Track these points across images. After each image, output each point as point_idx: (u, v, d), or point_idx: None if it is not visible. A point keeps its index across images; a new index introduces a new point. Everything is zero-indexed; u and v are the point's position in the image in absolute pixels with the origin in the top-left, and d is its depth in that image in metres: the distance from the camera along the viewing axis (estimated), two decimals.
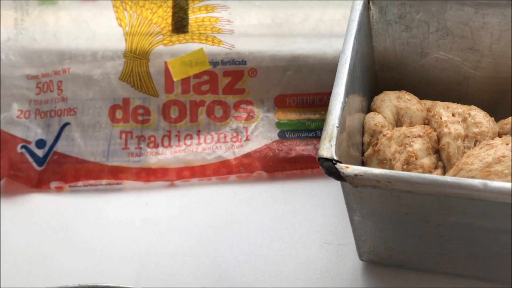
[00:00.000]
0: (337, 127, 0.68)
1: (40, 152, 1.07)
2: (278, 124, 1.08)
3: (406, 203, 0.69)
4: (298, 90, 1.10)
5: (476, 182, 0.60)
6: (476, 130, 0.79)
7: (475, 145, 0.78)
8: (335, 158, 0.65)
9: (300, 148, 1.05)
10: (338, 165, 0.64)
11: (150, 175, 1.06)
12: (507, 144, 0.74)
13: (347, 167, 0.64)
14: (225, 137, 1.07)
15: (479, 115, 0.81)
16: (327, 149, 0.66)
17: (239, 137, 1.07)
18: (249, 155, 1.05)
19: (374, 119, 0.85)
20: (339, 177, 0.65)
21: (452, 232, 0.73)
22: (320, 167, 0.66)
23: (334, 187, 0.99)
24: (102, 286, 0.76)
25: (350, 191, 0.70)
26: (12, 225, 1.01)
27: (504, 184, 0.59)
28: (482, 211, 0.66)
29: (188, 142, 1.07)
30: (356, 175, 0.63)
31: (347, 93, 0.74)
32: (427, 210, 0.69)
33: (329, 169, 0.65)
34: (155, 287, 0.90)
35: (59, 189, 1.07)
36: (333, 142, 0.66)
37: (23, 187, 1.07)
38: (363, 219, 0.78)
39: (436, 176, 0.62)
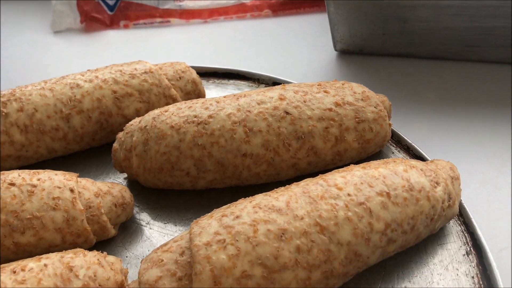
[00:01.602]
0: None
1: (111, 2, 1.49)
2: None
3: None
4: None
5: None
6: None
7: None
8: None
9: None
10: None
11: (190, 15, 1.48)
12: None
13: None
14: None
15: None
16: None
17: None
18: None
19: None
20: None
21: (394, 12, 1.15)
22: None
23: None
24: None
25: None
26: (92, 55, 1.43)
27: None
28: None
29: None
30: None
31: None
32: None
33: None
34: None
35: (126, 27, 1.49)
36: None
37: (99, 26, 1.49)
38: (336, 10, 1.20)
39: None
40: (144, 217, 0.90)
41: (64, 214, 0.78)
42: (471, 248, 0.78)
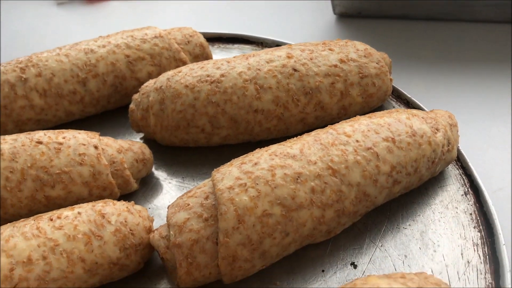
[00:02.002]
0: None
1: None
2: None
3: None
4: None
5: None
6: None
7: None
8: None
9: None
10: None
11: None
12: None
13: None
14: None
15: None
16: None
17: None
18: None
19: None
20: None
21: None
22: None
23: None
24: None
25: None
26: (95, 26, 1.45)
27: None
28: None
29: None
30: None
31: None
32: None
33: None
34: None
35: None
36: None
37: None
38: None
39: None
40: (162, 173, 0.96)
41: (90, 169, 0.83)
42: (469, 189, 0.84)
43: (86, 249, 0.71)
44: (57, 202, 0.83)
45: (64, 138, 0.85)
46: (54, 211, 0.76)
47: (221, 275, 0.72)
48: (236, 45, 1.23)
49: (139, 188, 0.93)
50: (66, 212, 0.74)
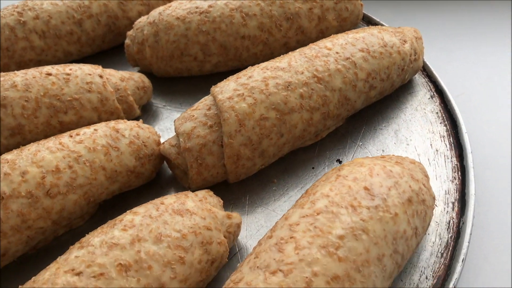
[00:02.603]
0: None
1: None
2: None
3: None
4: None
5: None
6: None
7: None
8: None
9: None
10: None
11: None
12: None
13: None
14: None
15: None
16: None
17: None
18: None
19: None
20: None
21: None
22: None
23: None
24: None
25: None
26: None
27: None
28: None
29: None
30: None
31: None
32: None
33: None
34: None
35: None
36: None
37: None
38: None
39: None
40: (160, 101, 1.04)
41: (98, 95, 0.91)
42: (434, 93, 0.96)
43: (106, 159, 0.80)
44: (70, 127, 0.91)
45: (70, 69, 0.93)
46: (72, 131, 0.84)
47: (226, 174, 0.83)
48: None
49: (141, 115, 1.01)
50: (84, 130, 0.83)
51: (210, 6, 0.99)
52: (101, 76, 0.93)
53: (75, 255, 0.64)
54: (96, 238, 0.66)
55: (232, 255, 0.76)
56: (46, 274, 0.63)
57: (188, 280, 0.66)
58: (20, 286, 0.64)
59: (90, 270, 0.62)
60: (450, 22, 1.17)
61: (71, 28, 1.06)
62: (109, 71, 0.96)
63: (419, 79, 0.99)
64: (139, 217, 0.68)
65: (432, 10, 1.20)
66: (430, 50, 1.08)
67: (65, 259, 0.65)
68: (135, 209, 0.71)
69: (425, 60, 1.00)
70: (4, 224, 0.72)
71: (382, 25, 1.11)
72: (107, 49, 1.15)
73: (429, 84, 0.98)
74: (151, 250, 0.64)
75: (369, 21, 1.13)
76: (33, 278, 0.65)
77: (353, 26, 1.07)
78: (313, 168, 0.87)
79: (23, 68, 1.06)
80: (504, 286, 0.73)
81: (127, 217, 0.69)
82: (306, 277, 0.57)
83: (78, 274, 0.62)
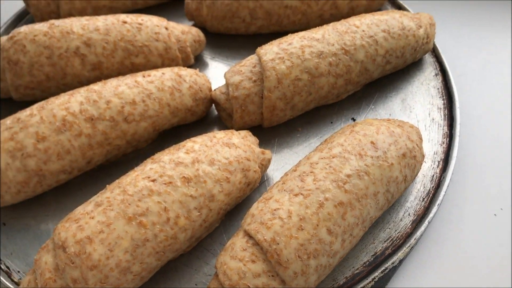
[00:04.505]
0: None
1: None
2: None
3: None
4: None
5: None
6: None
7: None
8: None
9: None
10: None
11: None
12: None
13: None
14: None
15: None
16: None
17: None
18: None
19: None
20: None
21: None
22: None
23: None
24: None
25: None
26: None
27: None
28: None
29: None
30: None
31: None
32: None
33: None
34: None
35: None
36: None
37: None
38: None
39: None
40: (209, 53, 1.23)
41: (163, 44, 1.10)
42: (439, 71, 1.14)
43: (171, 98, 0.99)
44: (139, 68, 1.10)
45: (142, 20, 1.11)
46: (145, 72, 1.03)
47: (262, 120, 1.02)
48: None
49: (194, 63, 1.20)
50: (154, 72, 1.02)
51: None
52: (166, 28, 1.11)
53: (149, 167, 0.85)
54: (165, 156, 0.87)
55: (262, 182, 0.97)
56: (128, 178, 0.84)
57: (230, 195, 0.87)
58: (107, 185, 0.85)
59: (161, 179, 0.83)
60: (463, 11, 1.32)
61: None
62: (172, 24, 1.14)
63: (428, 58, 1.17)
64: (197, 145, 0.88)
65: (446, 9, 1.35)
66: (442, 33, 1.24)
67: (142, 169, 0.85)
68: (193, 139, 0.91)
69: (435, 42, 1.17)
70: (92, 139, 0.93)
71: (403, 6, 1.27)
72: (167, 3, 1.32)
73: (436, 63, 1.15)
74: (206, 169, 0.85)
75: (393, 2, 1.29)
76: (117, 180, 0.86)
77: (379, 5, 1.23)
78: (331, 122, 1.07)
79: (97, 12, 1.24)
80: (472, 226, 0.94)
81: (189, 144, 0.89)
82: (320, 200, 0.78)
83: (153, 180, 0.83)
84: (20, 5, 1.35)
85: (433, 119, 1.05)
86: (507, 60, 1.22)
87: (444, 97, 1.09)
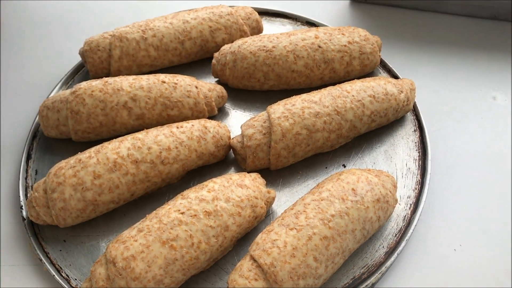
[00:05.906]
0: None
1: None
2: None
3: None
4: None
5: None
6: None
7: None
8: None
9: None
10: None
11: None
12: None
13: None
14: None
15: None
16: None
17: None
18: None
19: None
20: None
21: None
22: None
23: None
24: None
25: None
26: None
27: None
28: None
29: None
30: None
31: None
32: None
33: None
34: None
35: None
36: None
37: None
38: None
39: None
40: (230, 106, 1.46)
41: (193, 100, 1.33)
42: (417, 128, 1.35)
43: (198, 145, 1.22)
44: (173, 119, 1.33)
45: (177, 80, 1.35)
46: (178, 123, 1.26)
47: (270, 165, 1.25)
48: (278, 19, 1.69)
49: (217, 114, 1.43)
50: (185, 124, 1.25)
51: (273, 47, 1.39)
52: (196, 87, 1.35)
53: (179, 202, 1.08)
54: (192, 193, 1.09)
55: (267, 215, 1.19)
56: (163, 210, 1.07)
57: (241, 226, 1.09)
58: (147, 215, 1.09)
59: (188, 212, 1.05)
60: (442, 69, 1.53)
61: (175, 46, 1.47)
62: (201, 83, 1.38)
63: (410, 116, 1.38)
64: (217, 185, 1.11)
65: (432, 63, 1.57)
66: (425, 93, 1.46)
67: (173, 204, 1.08)
68: (214, 179, 1.14)
69: (416, 102, 1.38)
70: (135, 177, 1.16)
71: (393, 70, 1.48)
72: (197, 61, 1.56)
73: (415, 121, 1.36)
74: (223, 205, 1.07)
75: (384, 66, 1.51)
76: (154, 211, 1.09)
77: (371, 69, 1.46)
78: (326, 167, 1.29)
79: (141, 69, 1.49)
80: (435, 258, 1.14)
81: (210, 184, 1.12)
82: (309, 234, 0.99)
83: (182, 213, 1.05)
84: (77, 59, 1.61)
85: (409, 168, 1.26)
86: (477, 116, 1.42)
87: (420, 150, 1.29)
